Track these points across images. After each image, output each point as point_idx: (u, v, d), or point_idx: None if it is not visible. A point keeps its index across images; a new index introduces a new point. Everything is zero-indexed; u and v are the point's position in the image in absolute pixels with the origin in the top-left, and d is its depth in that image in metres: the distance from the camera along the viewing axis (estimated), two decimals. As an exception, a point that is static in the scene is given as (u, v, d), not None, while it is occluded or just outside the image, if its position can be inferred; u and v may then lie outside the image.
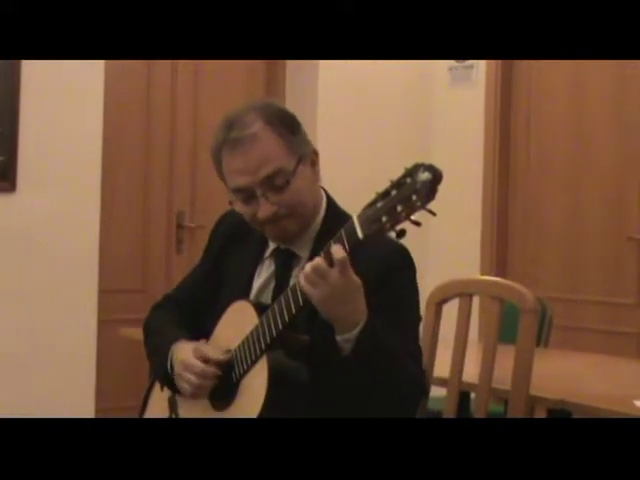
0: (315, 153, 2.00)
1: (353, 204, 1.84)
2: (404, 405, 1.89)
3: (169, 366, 2.01)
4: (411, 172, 1.59)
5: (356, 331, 1.76)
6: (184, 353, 1.97)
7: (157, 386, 2.18)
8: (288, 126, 1.94)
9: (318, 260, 1.73)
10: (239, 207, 1.96)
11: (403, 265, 1.94)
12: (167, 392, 2.11)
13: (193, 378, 1.92)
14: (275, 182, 1.90)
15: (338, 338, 1.78)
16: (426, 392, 1.94)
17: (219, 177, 2.00)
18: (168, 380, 2.03)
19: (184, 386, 1.96)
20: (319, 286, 1.73)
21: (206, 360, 1.93)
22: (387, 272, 1.88)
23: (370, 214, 1.63)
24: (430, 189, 1.56)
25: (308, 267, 1.74)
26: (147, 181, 4.65)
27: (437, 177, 1.57)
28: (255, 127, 1.91)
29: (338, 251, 1.70)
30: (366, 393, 1.82)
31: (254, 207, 1.93)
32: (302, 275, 1.75)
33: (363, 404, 1.83)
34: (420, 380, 1.92)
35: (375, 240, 1.67)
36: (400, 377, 1.84)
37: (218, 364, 1.92)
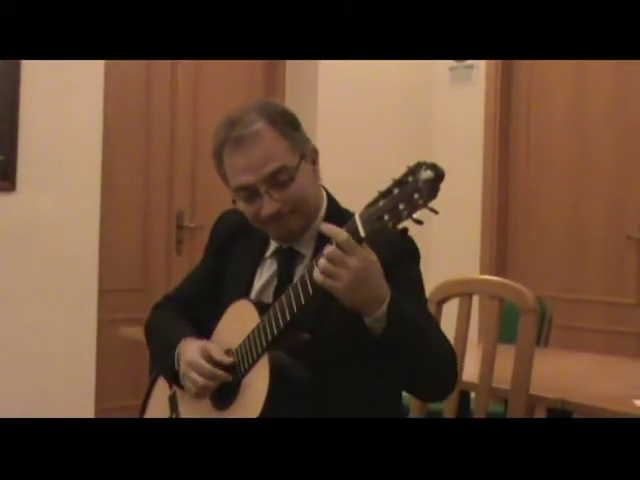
0: (315, 151, 2.00)
1: (353, 203, 1.83)
2: (446, 371, 1.84)
3: (176, 363, 2.00)
4: (413, 170, 1.59)
5: (384, 308, 1.71)
6: (191, 353, 1.96)
7: (158, 386, 2.18)
8: (290, 124, 1.95)
9: (330, 249, 1.68)
10: (241, 206, 1.96)
11: (411, 252, 1.94)
12: (168, 392, 2.11)
13: (200, 379, 1.92)
14: (279, 179, 1.89)
15: (367, 320, 1.72)
16: (455, 358, 1.91)
17: (220, 177, 2.00)
18: (175, 377, 2.03)
19: (189, 386, 1.96)
20: (340, 276, 1.67)
21: (211, 361, 1.92)
22: (397, 257, 1.86)
23: (372, 212, 1.62)
24: (432, 188, 1.56)
25: (322, 261, 1.68)
26: (147, 181, 4.64)
27: (439, 176, 1.56)
28: (258, 125, 1.91)
29: (341, 234, 1.65)
30: (406, 370, 1.80)
31: (257, 205, 1.92)
32: (318, 271, 1.69)
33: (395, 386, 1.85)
34: (449, 344, 1.88)
35: (377, 238, 1.66)
36: (434, 344, 1.82)
37: (223, 367, 1.91)
